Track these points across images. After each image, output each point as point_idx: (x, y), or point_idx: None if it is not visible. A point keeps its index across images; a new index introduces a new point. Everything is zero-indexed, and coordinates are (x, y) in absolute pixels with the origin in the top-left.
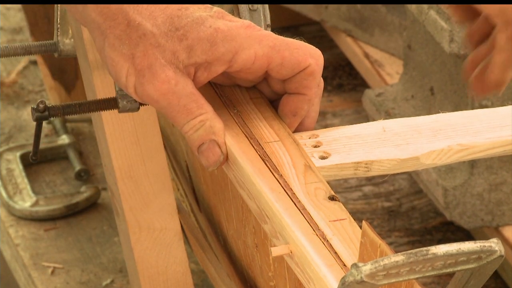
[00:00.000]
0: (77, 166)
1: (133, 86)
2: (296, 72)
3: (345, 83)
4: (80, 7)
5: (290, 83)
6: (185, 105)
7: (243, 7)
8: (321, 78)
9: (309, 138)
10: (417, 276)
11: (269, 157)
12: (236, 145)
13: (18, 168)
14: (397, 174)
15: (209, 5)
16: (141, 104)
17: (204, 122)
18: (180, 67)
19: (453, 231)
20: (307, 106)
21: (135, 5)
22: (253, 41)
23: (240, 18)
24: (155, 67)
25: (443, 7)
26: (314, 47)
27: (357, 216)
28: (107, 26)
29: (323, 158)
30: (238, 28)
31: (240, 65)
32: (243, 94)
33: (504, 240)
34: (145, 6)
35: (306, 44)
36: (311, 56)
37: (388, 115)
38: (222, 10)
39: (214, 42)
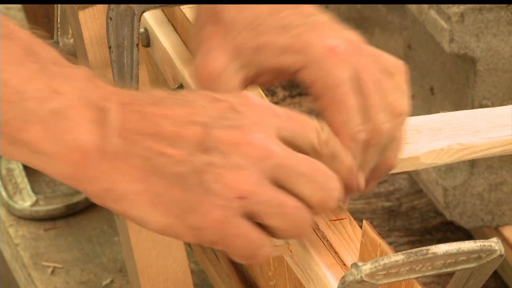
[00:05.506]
0: None
1: None
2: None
3: None
4: None
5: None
6: None
7: None
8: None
9: None
10: (417, 275)
11: None
12: None
13: (18, 168)
14: (397, 173)
15: None
16: None
17: None
18: None
19: (453, 231)
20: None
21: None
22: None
23: None
24: None
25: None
26: None
27: (357, 215)
28: None
29: None
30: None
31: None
32: None
33: (504, 240)
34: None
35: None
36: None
37: None
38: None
39: None
